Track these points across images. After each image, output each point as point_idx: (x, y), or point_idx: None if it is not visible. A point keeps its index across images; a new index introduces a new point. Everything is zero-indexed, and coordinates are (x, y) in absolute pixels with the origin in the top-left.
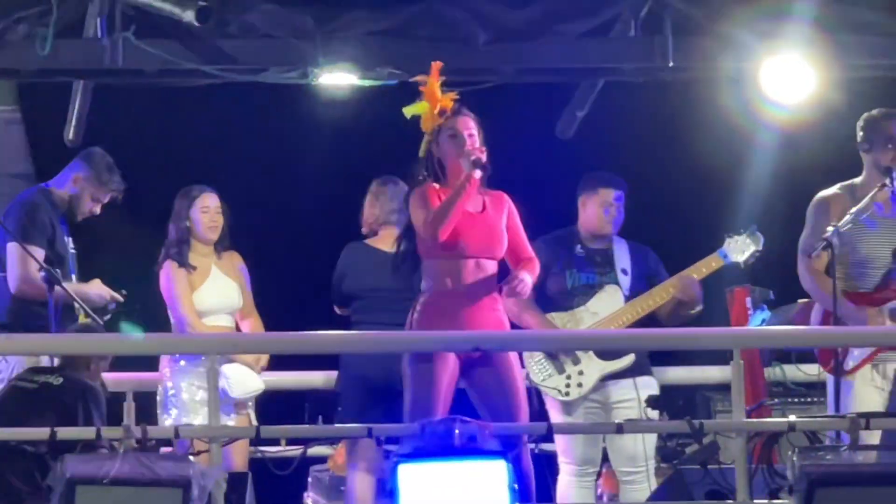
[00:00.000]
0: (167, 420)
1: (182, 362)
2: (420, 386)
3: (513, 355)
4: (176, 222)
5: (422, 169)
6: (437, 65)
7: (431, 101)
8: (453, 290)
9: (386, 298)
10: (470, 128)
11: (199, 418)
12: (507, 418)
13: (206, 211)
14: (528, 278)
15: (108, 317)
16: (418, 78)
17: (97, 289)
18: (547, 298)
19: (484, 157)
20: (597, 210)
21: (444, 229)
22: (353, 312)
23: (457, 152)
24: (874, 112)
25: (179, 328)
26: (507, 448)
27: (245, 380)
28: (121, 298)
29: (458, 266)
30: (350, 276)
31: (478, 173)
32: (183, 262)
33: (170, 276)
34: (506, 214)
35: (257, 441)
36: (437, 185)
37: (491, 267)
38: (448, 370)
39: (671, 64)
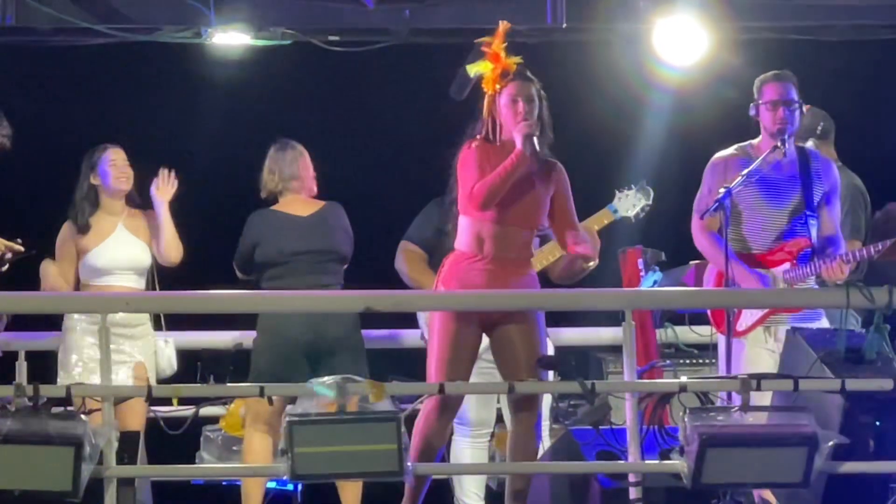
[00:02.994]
0: (65, 379)
1: (79, 324)
2: (440, 343)
3: (539, 317)
4: (81, 181)
5: (481, 127)
6: (504, 25)
7: (495, 62)
8: (482, 253)
9: (309, 262)
10: (530, 93)
11: (92, 375)
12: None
13: (114, 164)
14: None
15: (6, 267)
16: (483, 40)
17: None
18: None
19: (535, 131)
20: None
21: (488, 204)
22: (268, 279)
23: (513, 119)
24: (764, 75)
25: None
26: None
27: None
28: (19, 248)
29: (492, 230)
30: (264, 243)
31: (529, 148)
32: (79, 222)
33: (61, 236)
34: (553, 185)
35: (149, 400)
36: (490, 147)
37: (525, 235)
38: (470, 329)
39: (565, 25)
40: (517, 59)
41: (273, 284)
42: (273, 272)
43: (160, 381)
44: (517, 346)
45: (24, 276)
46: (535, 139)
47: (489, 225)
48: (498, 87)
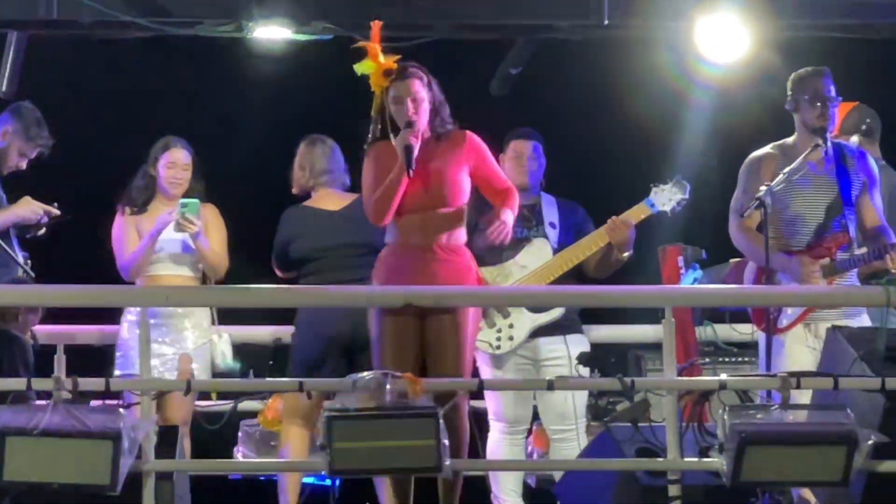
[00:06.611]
0: (117, 372)
1: (130, 315)
2: (379, 339)
3: (469, 312)
4: (144, 167)
5: (375, 127)
6: (376, 24)
7: (375, 63)
8: (405, 245)
9: (343, 255)
10: (415, 90)
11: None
12: (446, 370)
13: (172, 166)
14: (508, 218)
15: (43, 231)
16: (360, 43)
17: (28, 205)
18: (476, 253)
19: (412, 141)
20: (511, 162)
21: (382, 218)
22: (305, 275)
23: (398, 119)
24: (801, 71)
25: (123, 276)
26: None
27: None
28: (55, 211)
29: (406, 221)
30: (298, 239)
31: (406, 159)
32: (136, 205)
33: (118, 228)
34: (464, 156)
35: (188, 394)
36: (388, 142)
37: (449, 218)
38: (408, 323)
39: (606, 22)
40: (396, 58)
41: (310, 280)
42: (309, 268)
43: (215, 375)
44: (444, 339)
45: (74, 266)
46: (413, 148)
47: (408, 216)
48: (384, 85)
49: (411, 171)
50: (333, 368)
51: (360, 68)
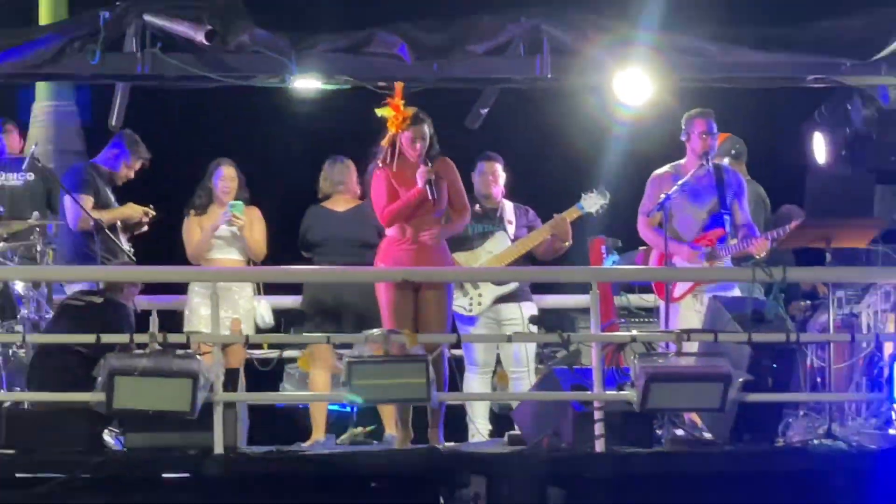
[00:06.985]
0: (187, 328)
1: (197, 289)
2: (386, 306)
3: (449, 286)
4: (203, 181)
5: (384, 155)
6: (399, 85)
7: (396, 111)
8: (402, 238)
9: (341, 244)
10: (423, 134)
11: (207, 328)
12: (430, 329)
13: (224, 178)
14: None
15: (145, 228)
16: (388, 100)
17: (132, 208)
18: (453, 242)
19: (432, 176)
20: (480, 177)
21: (393, 224)
22: (316, 255)
23: (414, 156)
24: (691, 111)
25: (191, 260)
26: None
27: (260, 311)
28: (152, 212)
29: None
30: (313, 229)
31: (428, 189)
32: (198, 209)
33: (186, 227)
34: (444, 177)
35: (246, 346)
36: (391, 170)
37: (433, 219)
38: (404, 295)
39: (549, 76)
40: (414, 110)
41: (321, 260)
42: (319, 250)
43: (258, 332)
44: (432, 306)
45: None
46: (432, 181)
47: (415, 213)
48: (400, 128)
49: (435, 197)
50: (328, 323)
51: (381, 112)
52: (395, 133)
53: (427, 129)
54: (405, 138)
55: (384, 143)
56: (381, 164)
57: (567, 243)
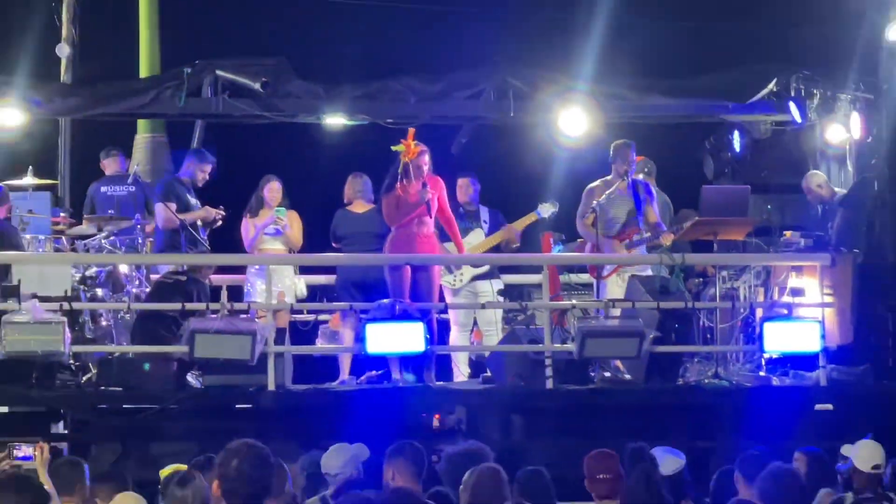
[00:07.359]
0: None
1: (253, 270)
2: (393, 282)
3: (435, 267)
4: (257, 191)
5: (399, 177)
6: (411, 130)
7: (408, 147)
8: (405, 232)
9: (361, 238)
10: (425, 161)
11: (261, 299)
12: (424, 299)
13: (270, 190)
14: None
15: (219, 223)
16: (403, 140)
17: (207, 210)
18: (443, 235)
19: (429, 195)
20: (462, 189)
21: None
22: (343, 246)
23: (417, 177)
24: (617, 142)
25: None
26: (424, 316)
27: (299, 286)
28: (223, 213)
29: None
30: (341, 226)
31: (425, 198)
32: (253, 212)
33: (244, 225)
34: (437, 192)
35: (290, 312)
36: (402, 185)
37: (424, 221)
38: (406, 274)
39: (512, 115)
40: (422, 147)
41: (346, 249)
42: (345, 242)
43: (298, 301)
44: (427, 280)
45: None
46: (431, 199)
47: (415, 217)
48: (409, 159)
49: (432, 210)
50: (352, 295)
51: (396, 148)
52: (406, 161)
53: (427, 158)
54: (413, 165)
55: (399, 169)
56: (398, 186)
57: (516, 244)
